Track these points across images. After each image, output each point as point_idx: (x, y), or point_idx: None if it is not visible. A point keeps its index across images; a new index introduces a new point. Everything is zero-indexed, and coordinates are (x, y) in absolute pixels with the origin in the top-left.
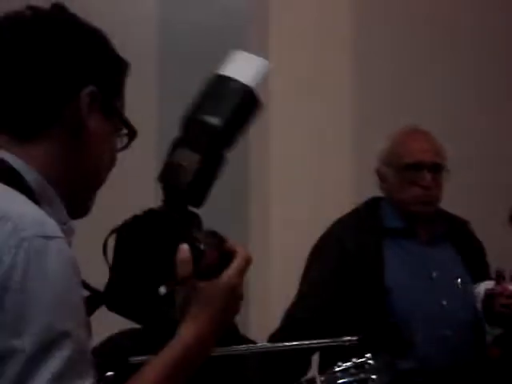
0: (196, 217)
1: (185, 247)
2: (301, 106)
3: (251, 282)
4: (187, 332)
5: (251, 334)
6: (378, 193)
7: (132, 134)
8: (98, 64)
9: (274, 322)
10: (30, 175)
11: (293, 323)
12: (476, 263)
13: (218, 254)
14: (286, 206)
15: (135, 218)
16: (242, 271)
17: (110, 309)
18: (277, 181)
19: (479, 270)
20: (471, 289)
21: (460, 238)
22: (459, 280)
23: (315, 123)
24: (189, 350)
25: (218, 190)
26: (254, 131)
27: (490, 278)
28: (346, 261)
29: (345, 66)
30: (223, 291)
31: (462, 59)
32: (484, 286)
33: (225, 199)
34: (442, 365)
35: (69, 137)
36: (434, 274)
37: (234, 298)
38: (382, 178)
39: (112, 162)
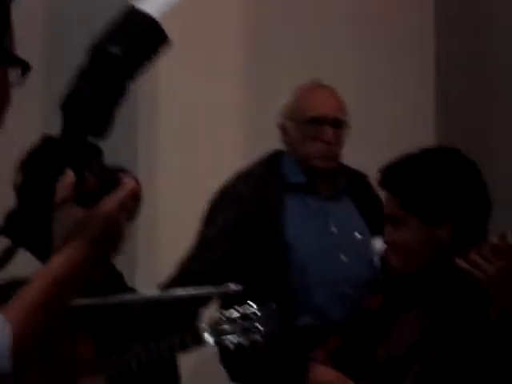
0: (93, 147)
1: (68, 172)
2: (193, 67)
3: (139, 233)
4: (58, 258)
5: (138, 285)
6: None
7: (25, 69)
8: None
9: (162, 271)
10: None
11: (189, 276)
12: (374, 217)
13: (99, 182)
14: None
15: (34, 146)
16: (124, 202)
17: (12, 240)
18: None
19: (377, 224)
20: (370, 243)
21: (359, 192)
22: (358, 235)
23: (209, 85)
24: (58, 278)
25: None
26: (143, 91)
27: None
28: (247, 216)
29: (238, 31)
30: (98, 219)
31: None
32: (381, 240)
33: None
34: (343, 321)
35: None
36: (334, 230)
37: (110, 227)
38: (284, 132)
39: (6, 103)
